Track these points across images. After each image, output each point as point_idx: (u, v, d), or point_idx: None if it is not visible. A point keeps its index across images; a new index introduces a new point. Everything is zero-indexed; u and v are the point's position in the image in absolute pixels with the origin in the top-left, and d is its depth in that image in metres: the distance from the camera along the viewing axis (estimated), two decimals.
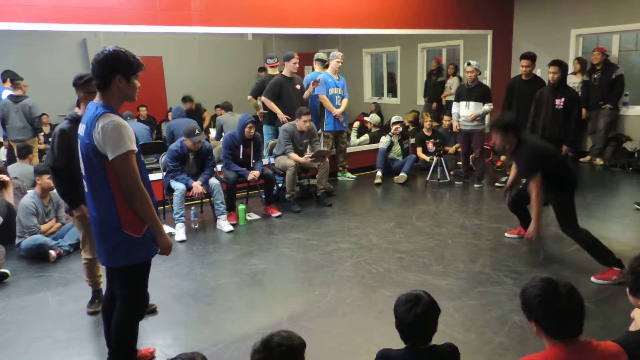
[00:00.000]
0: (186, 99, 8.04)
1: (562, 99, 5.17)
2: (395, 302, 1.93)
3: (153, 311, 3.42)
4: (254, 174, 5.42)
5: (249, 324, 3.23)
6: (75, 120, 3.09)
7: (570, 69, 7.75)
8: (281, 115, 6.16)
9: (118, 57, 2.25)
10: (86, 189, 2.38)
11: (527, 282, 1.77)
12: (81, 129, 2.31)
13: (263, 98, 6.26)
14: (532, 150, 3.71)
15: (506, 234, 4.70)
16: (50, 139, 3.43)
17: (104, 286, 2.84)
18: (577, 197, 4.63)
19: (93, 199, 2.33)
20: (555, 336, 1.65)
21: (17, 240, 4.52)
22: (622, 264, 3.57)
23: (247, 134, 5.42)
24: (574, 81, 7.57)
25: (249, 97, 6.60)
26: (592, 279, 3.58)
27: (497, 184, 6.57)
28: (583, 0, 7.85)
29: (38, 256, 4.40)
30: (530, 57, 6.15)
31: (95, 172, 2.26)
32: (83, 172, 2.35)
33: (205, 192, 5.13)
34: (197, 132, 5.03)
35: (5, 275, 4.04)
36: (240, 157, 5.52)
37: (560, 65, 5.18)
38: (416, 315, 1.83)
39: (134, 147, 2.24)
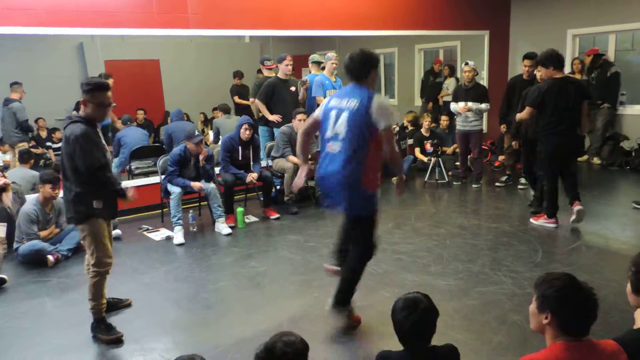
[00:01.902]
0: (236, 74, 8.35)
1: None
2: (393, 307, 1.91)
3: (128, 305, 3.60)
4: (252, 176, 5.42)
5: (248, 327, 3.22)
6: (87, 121, 3.03)
7: (568, 69, 7.77)
8: (272, 117, 6.16)
9: (372, 56, 2.98)
10: (336, 151, 2.89)
11: (546, 274, 1.74)
12: (350, 103, 2.88)
13: (256, 101, 6.26)
14: None
15: (531, 220, 4.94)
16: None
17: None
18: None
19: (344, 160, 2.86)
20: (567, 330, 1.65)
21: (15, 245, 4.50)
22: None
23: (242, 136, 5.41)
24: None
25: (251, 99, 6.59)
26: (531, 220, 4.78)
27: (497, 184, 6.57)
28: (579, 1, 7.87)
29: (36, 261, 4.39)
30: (533, 58, 6.16)
31: (359, 137, 2.83)
32: (344, 135, 2.86)
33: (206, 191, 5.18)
34: (196, 133, 5.08)
35: (3, 281, 4.02)
36: (240, 159, 5.51)
37: (535, 59, 5.12)
38: (415, 322, 1.81)
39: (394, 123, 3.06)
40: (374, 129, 2.82)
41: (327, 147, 2.96)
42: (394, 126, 2.89)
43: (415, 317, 1.81)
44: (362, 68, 2.94)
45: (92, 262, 3.13)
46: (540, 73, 5.07)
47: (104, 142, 3.14)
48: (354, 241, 3.10)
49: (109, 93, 3.08)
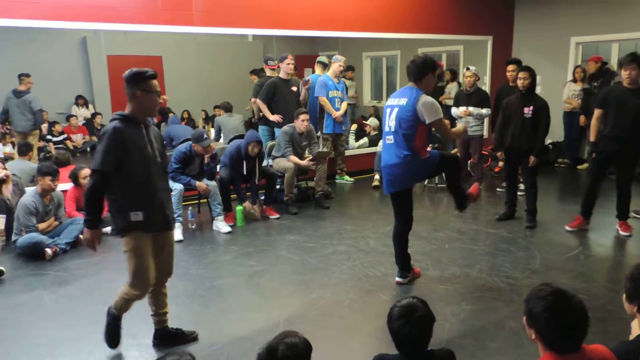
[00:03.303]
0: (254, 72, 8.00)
1: (531, 108, 4.88)
2: (389, 314, 1.88)
3: (194, 339, 3.11)
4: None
5: (245, 326, 3.22)
6: (128, 119, 2.64)
7: (570, 77, 7.78)
8: (273, 117, 6.16)
9: (431, 62, 3.43)
10: (391, 141, 3.45)
11: (537, 288, 1.70)
12: (401, 101, 3.39)
13: (257, 100, 6.26)
14: None
15: (566, 227, 4.93)
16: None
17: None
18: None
19: (397, 148, 3.41)
20: (553, 349, 1.64)
21: (13, 237, 4.50)
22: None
23: (250, 152, 5.36)
24: (573, 88, 7.60)
25: (252, 99, 6.60)
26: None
27: (498, 189, 6.58)
28: (583, 8, 7.88)
29: (34, 254, 4.38)
30: (516, 62, 6.19)
31: (406, 129, 3.34)
32: (395, 128, 3.39)
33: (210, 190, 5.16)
34: (205, 136, 5.04)
35: (0, 273, 4.02)
36: (244, 172, 5.47)
37: (530, 72, 4.96)
38: (411, 330, 1.79)
39: (442, 116, 3.40)
40: (420, 122, 3.32)
41: (386, 139, 3.48)
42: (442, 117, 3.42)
43: (411, 325, 1.79)
44: (419, 72, 3.40)
45: (129, 282, 2.77)
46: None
47: (155, 146, 2.72)
48: (399, 213, 3.70)
49: (154, 81, 2.67)
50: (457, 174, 3.79)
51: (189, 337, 3.05)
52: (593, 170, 4.93)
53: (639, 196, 6.33)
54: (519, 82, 4.98)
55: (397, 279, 3.79)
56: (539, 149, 4.93)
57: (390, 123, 3.45)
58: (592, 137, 4.81)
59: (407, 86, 3.47)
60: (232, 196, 5.52)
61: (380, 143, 7.15)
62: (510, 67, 6.19)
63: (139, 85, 2.61)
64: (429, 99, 3.38)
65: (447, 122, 7.89)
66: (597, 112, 4.71)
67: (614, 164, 4.74)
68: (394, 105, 3.45)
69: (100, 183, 2.58)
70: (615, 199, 4.82)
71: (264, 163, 6.03)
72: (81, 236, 4.73)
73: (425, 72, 3.41)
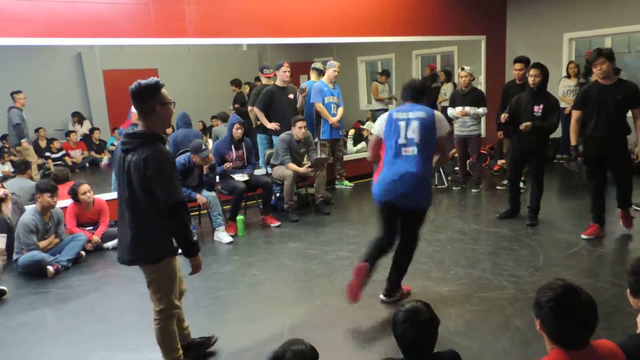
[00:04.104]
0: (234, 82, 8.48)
1: (541, 106, 4.80)
2: (393, 319, 1.87)
3: (214, 342, 3.10)
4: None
5: (249, 336, 3.20)
6: (158, 137, 2.51)
7: (564, 73, 7.80)
8: (271, 125, 6.17)
9: (426, 85, 3.78)
10: (411, 153, 3.38)
11: (550, 280, 1.71)
12: (418, 114, 3.40)
13: (255, 108, 6.27)
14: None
15: (582, 235, 4.59)
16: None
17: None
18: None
19: (420, 162, 3.36)
20: (556, 340, 1.64)
21: (14, 257, 4.49)
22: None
23: (235, 135, 5.46)
24: (568, 84, 7.60)
25: (250, 107, 6.61)
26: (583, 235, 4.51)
27: (498, 187, 6.57)
28: (575, 4, 7.91)
29: (36, 272, 4.37)
30: (524, 61, 6.14)
31: (429, 141, 3.40)
32: (417, 140, 3.36)
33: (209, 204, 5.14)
34: (203, 147, 5.02)
35: (3, 292, 4.00)
36: (234, 158, 5.55)
37: (542, 69, 4.84)
38: (416, 335, 1.78)
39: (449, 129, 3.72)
40: (436, 135, 3.45)
41: (403, 151, 3.41)
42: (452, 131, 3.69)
43: (416, 329, 1.78)
44: (418, 92, 3.57)
45: (161, 308, 2.58)
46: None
47: None
48: (405, 231, 3.54)
49: (165, 90, 2.57)
50: (414, 246, 3.58)
51: (213, 340, 3.04)
52: (588, 172, 4.69)
53: (638, 190, 6.33)
54: (530, 80, 4.87)
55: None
56: (540, 126, 4.78)
57: (410, 135, 3.39)
58: (573, 141, 4.61)
59: (410, 103, 3.51)
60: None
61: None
62: (518, 66, 6.09)
63: (156, 99, 2.46)
64: (440, 114, 3.58)
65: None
66: (576, 114, 4.53)
67: (605, 164, 4.50)
68: (410, 118, 3.41)
69: (184, 212, 2.46)
70: (615, 190, 4.60)
71: (262, 171, 6.03)
72: (82, 252, 4.74)
73: (423, 93, 3.62)
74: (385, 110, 9.26)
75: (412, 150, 3.40)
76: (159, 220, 2.46)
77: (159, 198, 2.39)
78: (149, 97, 2.44)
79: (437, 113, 3.49)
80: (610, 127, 4.33)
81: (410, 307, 1.86)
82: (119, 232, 2.61)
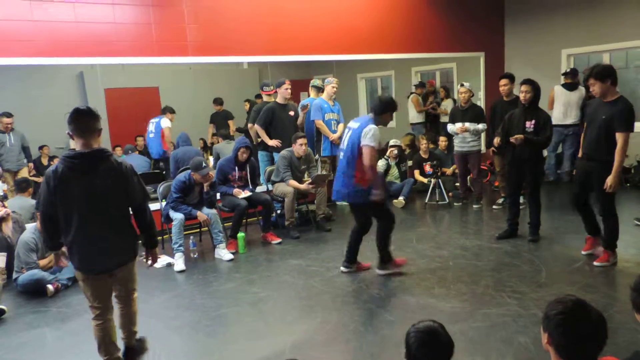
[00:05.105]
0: (216, 101, 8.65)
1: (533, 121, 4.78)
2: (407, 340, 1.76)
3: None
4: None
5: (251, 354, 3.18)
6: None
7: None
8: (272, 142, 6.19)
9: (392, 104, 4.18)
10: (341, 157, 4.20)
11: (562, 296, 1.70)
12: (355, 125, 4.14)
13: (256, 126, 6.30)
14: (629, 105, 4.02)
15: (582, 252, 4.56)
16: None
17: None
18: (576, 215, 4.65)
19: (344, 165, 4.16)
20: (564, 358, 1.62)
21: (14, 275, 4.47)
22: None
23: (240, 158, 5.46)
24: None
25: (249, 124, 6.63)
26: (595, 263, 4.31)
27: (494, 207, 6.55)
28: (573, 21, 7.99)
29: (36, 291, 4.34)
30: (508, 77, 6.23)
31: (352, 150, 4.05)
32: (344, 147, 4.15)
33: (210, 221, 5.13)
34: (204, 165, 5.04)
35: (2, 312, 3.98)
36: (237, 179, 5.56)
37: (533, 85, 4.84)
38: (435, 358, 1.72)
39: (375, 144, 3.98)
40: (360, 145, 3.97)
41: (339, 155, 4.24)
42: (380, 147, 4.22)
43: (436, 353, 1.72)
44: (381, 108, 4.11)
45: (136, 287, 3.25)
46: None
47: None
48: (358, 219, 4.44)
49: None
50: (388, 228, 4.35)
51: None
52: (574, 190, 4.52)
53: (637, 203, 6.33)
54: (521, 96, 4.88)
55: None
56: (531, 140, 4.73)
57: (343, 143, 4.22)
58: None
59: (368, 115, 4.16)
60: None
61: (379, 162, 7.21)
62: (503, 82, 6.23)
63: (100, 122, 2.85)
64: (374, 128, 3.99)
65: (443, 139, 7.91)
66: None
67: (590, 186, 4.27)
68: (350, 127, 4.17)
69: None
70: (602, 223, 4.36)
71: (263, 187, 6.04)
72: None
73: (385, 111, 4.11)
74: (424, 123, 9.32)
75: (342, 156, 4.15)
76: (128, 221, 3.00)
77: (136, 196, 2.94)
78: (98, 120, 2.83)
79: (369, 126, 3.97)
80: (592, 145, 4.16)
81: (426, 329, 1.76)
82: (97, 247, 2.85)
